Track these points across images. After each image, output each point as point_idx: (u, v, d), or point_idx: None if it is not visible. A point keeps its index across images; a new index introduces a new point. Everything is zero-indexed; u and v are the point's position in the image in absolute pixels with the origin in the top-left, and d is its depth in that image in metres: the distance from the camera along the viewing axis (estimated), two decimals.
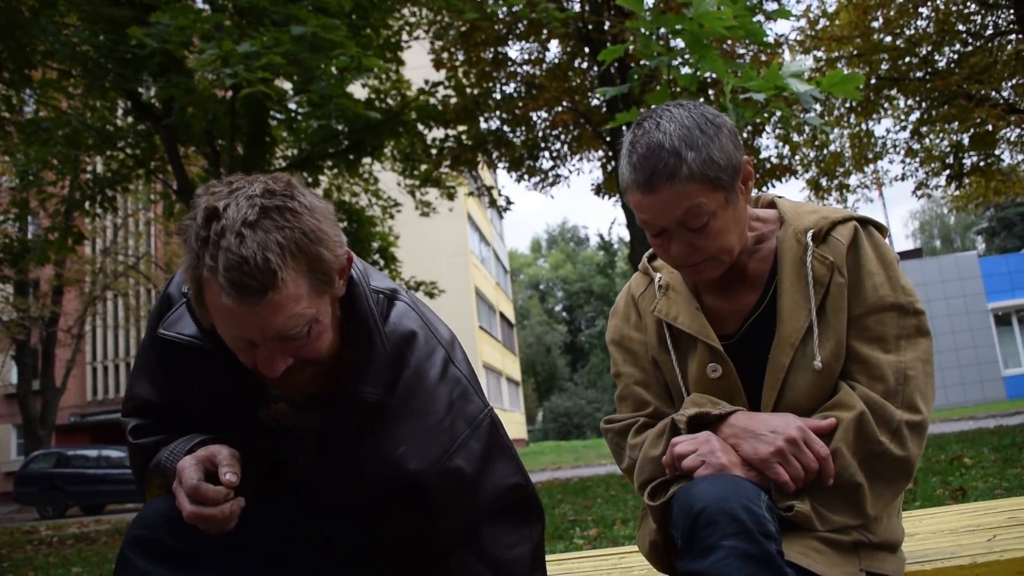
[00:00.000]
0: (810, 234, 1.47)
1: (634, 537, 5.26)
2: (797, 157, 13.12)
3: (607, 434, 1.67)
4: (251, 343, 1.26)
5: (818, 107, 10.54)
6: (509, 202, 15.27)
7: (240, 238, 1.18)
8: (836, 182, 13.33)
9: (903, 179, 13.00)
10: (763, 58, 10.53)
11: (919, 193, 13.24)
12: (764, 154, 12.83)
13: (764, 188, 13.40)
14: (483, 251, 39.94)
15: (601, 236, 61.17)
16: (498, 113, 13.55)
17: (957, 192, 13.01)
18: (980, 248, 46.76)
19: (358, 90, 11.21)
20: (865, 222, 1.51)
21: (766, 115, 4.35)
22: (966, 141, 12.10)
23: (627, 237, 11.98)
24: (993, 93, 10.79)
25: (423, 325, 1.46)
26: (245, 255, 1.17)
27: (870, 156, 13.21)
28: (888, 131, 13.28)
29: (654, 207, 1.40)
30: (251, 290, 1.19)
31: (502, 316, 42.77)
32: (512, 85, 13.76)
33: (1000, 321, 26.20)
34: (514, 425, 40.70)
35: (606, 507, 6.69)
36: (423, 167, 14.19)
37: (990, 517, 1.97)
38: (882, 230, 1.51)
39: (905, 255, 29.82)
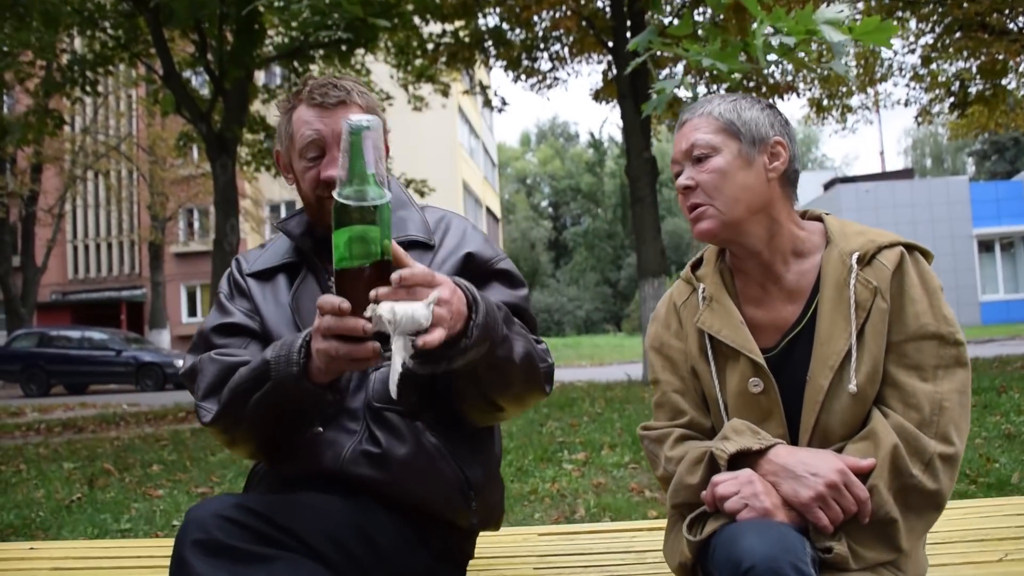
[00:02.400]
0: (855, 256, 1.47)
1: (621, 465, 5.42)
2: (800, 75, 12.81)
3: (643, 440, 1.68)
4: (320, 151, 1.61)
5: (851, 52, 10.23)
6: (504, 103, 14.93)
7: (328, 76, 1.65)
8: (838, 102, 13.11)
9: (907, 105, 12.78)
10: None
11: (920, 120, 13.07)
12: (767, 70, 12.51)
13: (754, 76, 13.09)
14: (472, 143, 39.33)
15: (592, 134, 60.42)
16: (497, 10, 13.05)
17: (959, 120, 12.83)
18: (970, 171, 46.71)
19: None
20: (911, 248, 1.50)
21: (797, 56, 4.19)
22: (974, 68, 11.84)
23: (619, 137, 11.75)
24: (1012, 26, 10.45)
25: (448, 211, 1.83)
26: (332, 81, 1.64)
27: (877, 76, 12.93)
28: (896, 53, 12.96)
29: (677, 142, 1.55)
30: (331, 97, 1.61)
31: (488, 211, 42.54)
32: None
33: (983, 247, 26.48)
34: None
35: (592, 428, 6.82)
36: (418, 62, 13.76)
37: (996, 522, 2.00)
38: (927, 256, 1.51)
39: (896, 175, 29.78)
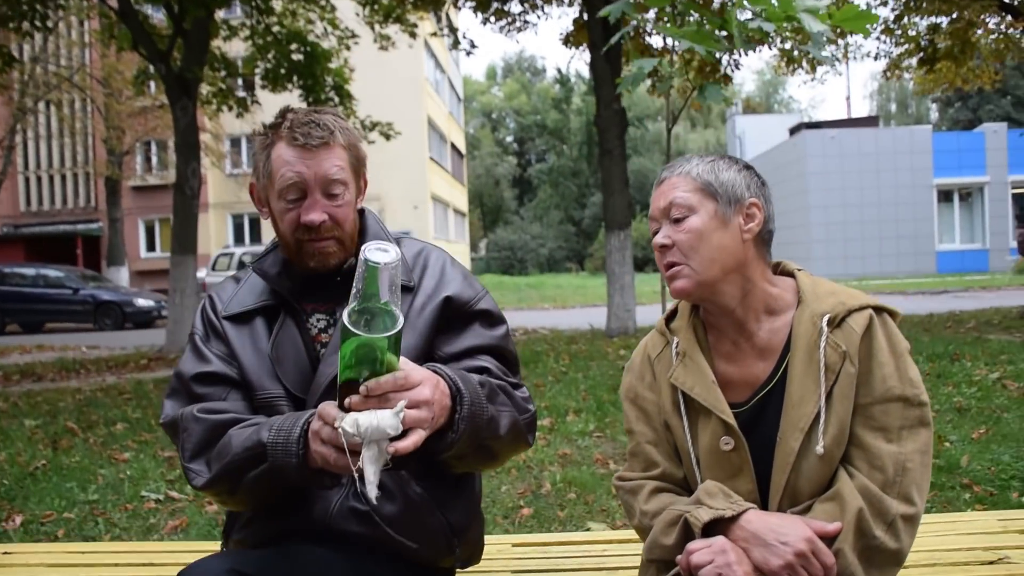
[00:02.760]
0: (826, 319, 1.51)
1: (586, 433, 5.52)
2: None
3: (619, 491, 1.73)
4: (301, 193, 1.58)
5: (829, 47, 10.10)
6: (473, 45, 14.64)
7: (308, 112, 1.62)
8: (808, 55, 13.05)
9: (876, 59, 12.76)
10: None
11: (889, 74, 13.10)
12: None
13: (735, 55, 13.01)
14: (438, 77, 38.60)
15: (559, 70, 59.58)
16: None
17: (927, 76, 12.87)
18: (934, 117, 47.09)
19: None
20: (880, 310, 1.55)
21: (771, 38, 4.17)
22: (944, 24, 11.85)
23: (586, 73, 11.56)
24: None
25: (426, 243, 1.80)
26: (314, 119, 1.59)
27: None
28: (869, 5, 12.88)
29: (655, 199, 1.58)
30: (314, 138, 1.57)
31: (453, 146, 42.04)
32: None
33: (942, 197, 26.93)
34: (457, 256, 40.85)
35: (558, 391, 6.89)
36: (385, 1, 13.40)
37: (950, 542, 2.09)
38: (895, 316, 1.57)
39: (861, 122, 29.94)
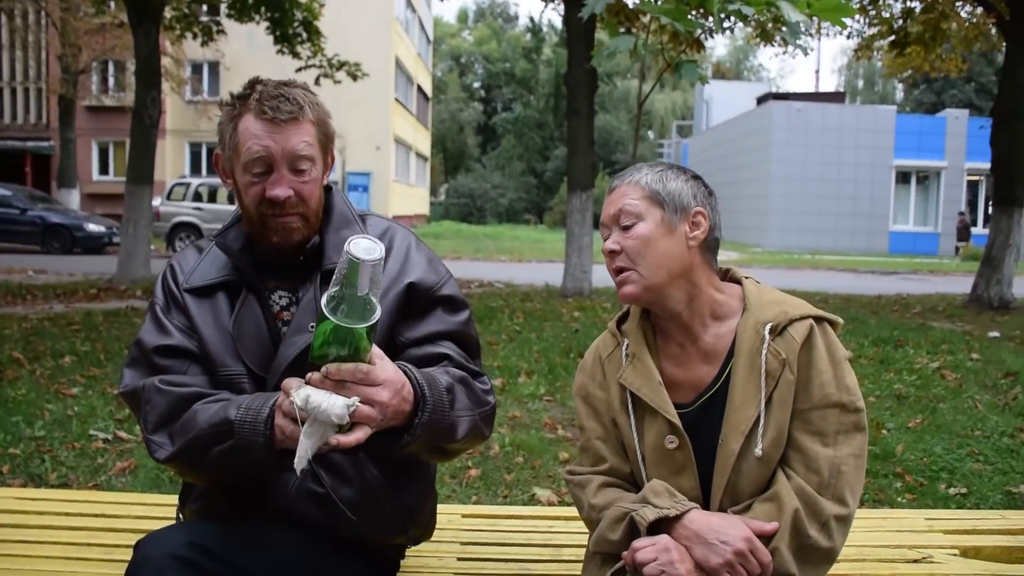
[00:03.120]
0: (768, 327, 1.59)
1: (537, 396, 5.62)
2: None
3: (569, 484, 1.80)
4: (267, 167, 1.56)
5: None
6: None
7: (278, 85, 1.60)
8: (782, 30, 13.09)
9: (849, 37, 12.90)
10: None
11: (859, 54, 13.21)
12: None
13: (706, 31, 12.97)
14: (408, 16, 37.80)
15: (532, 19, 58.66)
16: None
17: (896, 59, 13.02)
18: (899, 97, 47.68)
19: None
20: (821, 319, 1.63)
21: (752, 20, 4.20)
22: (918, 9, 11.96)
23: (558, 23, 11.42)
24: None
25: (391, 223, 1.80)
26: (283, 92, 1.58)
27: None
28: None
29: (606, 207, 1.65)
30: (283, 112, 1.55)
31: (419, 89, 41.38)
32: None
33: (900, 178, 27.42)
34: (417, 200, 40.74)
35: (511, 351, 6.95)
36: None
37: (879, 538, 2.19)
38: (836, 325, 1.65)
39: (828, 97, 30.18)
